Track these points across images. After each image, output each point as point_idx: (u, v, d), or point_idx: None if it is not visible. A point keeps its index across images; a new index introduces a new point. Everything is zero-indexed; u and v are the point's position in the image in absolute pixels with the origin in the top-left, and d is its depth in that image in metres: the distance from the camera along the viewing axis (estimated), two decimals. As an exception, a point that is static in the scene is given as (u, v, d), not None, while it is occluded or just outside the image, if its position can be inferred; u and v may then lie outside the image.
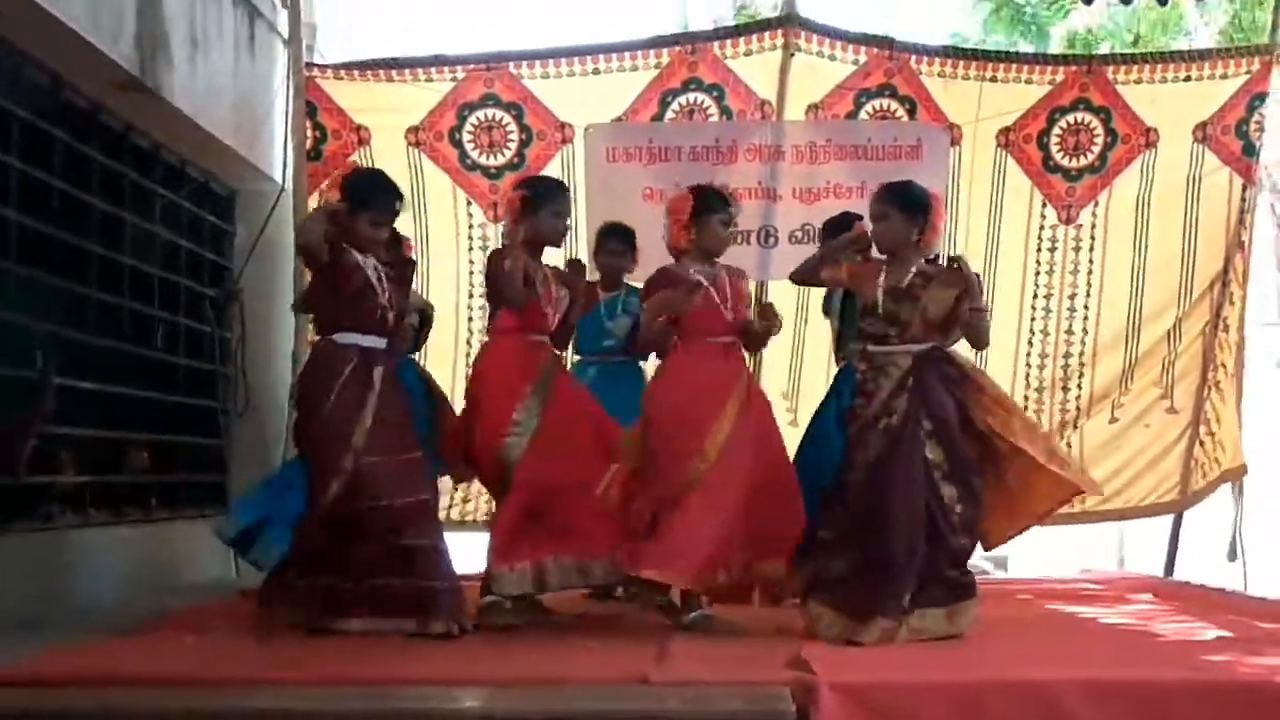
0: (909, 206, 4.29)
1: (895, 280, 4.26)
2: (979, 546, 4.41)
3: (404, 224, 6.12)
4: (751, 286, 4.91)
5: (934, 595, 4.15)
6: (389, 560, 4.12)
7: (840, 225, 5.15)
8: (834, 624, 4.12)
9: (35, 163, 4.77)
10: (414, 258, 4.89)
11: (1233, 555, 6.77)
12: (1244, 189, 6.69)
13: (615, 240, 5.56)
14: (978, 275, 4.43)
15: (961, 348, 4.57)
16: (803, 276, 4.77)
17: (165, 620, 4.55)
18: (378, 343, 4.27)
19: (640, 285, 4.92)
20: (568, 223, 4.78)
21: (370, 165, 6.35)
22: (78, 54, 4.66)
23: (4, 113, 4.58)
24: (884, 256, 4.39)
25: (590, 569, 4.37)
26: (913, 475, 4.13)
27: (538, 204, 4.50)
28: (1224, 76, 6.68)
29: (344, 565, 4.16)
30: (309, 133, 6.34)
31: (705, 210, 4.44)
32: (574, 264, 4.90)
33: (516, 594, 4.34)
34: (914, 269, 4.28)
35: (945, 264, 4.43)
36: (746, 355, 4.64)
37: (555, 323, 4.62)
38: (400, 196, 4.44)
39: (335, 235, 4.17)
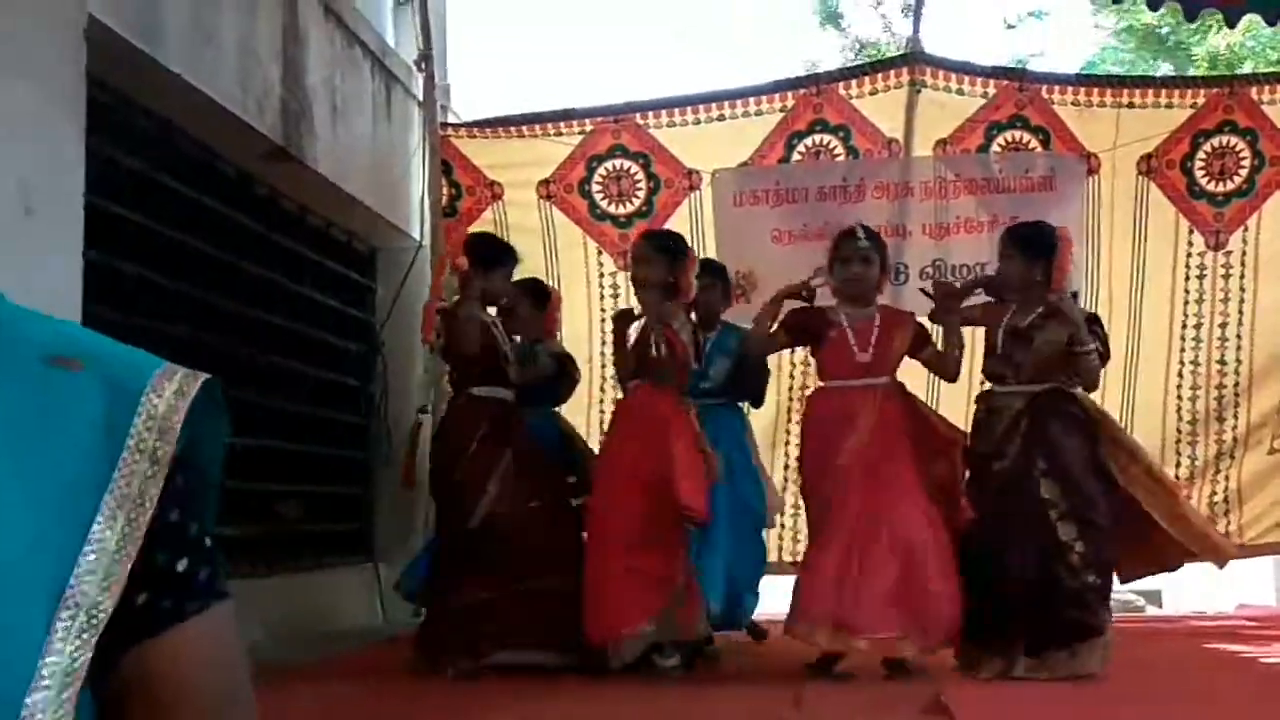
0: (1030, 248, 4.30)
1: (1018, 321, 4.27)
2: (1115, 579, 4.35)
3: (537, 275, 6.31)
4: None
5: (1054, 635, 4.11)
6: (511, 602, 4.29)
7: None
8: (964, 660, 4.17)
9: (189, 230, 5.02)
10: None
11: None
12: (1401, 206, 6.41)
13: (703, 274, 5.07)
14: (1095, 315, 4.38)
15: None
16: (942, 316, 4.70)
17: (316, 669, 4.69)
18: (507, 394, 4.50)
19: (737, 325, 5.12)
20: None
21: (504, 220, 6.55)
22: (227, 126, 4.90)
23: (158, 184, 4.84)
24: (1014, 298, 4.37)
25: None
26: (1026, 515, 4.12)
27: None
28: (1375, 91, 6.44)
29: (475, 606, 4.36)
30: (445, 190, 6.55)
31: (834, 256, 4.50)
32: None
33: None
34: (1039, 309, 4.24)
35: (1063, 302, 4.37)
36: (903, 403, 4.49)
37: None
38: (510, 248, 4.76)
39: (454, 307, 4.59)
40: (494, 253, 4.65)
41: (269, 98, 5.11)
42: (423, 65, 6.66)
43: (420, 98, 6.70)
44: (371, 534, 6.49)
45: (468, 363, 4.51)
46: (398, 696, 4.09)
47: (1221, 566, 4.59)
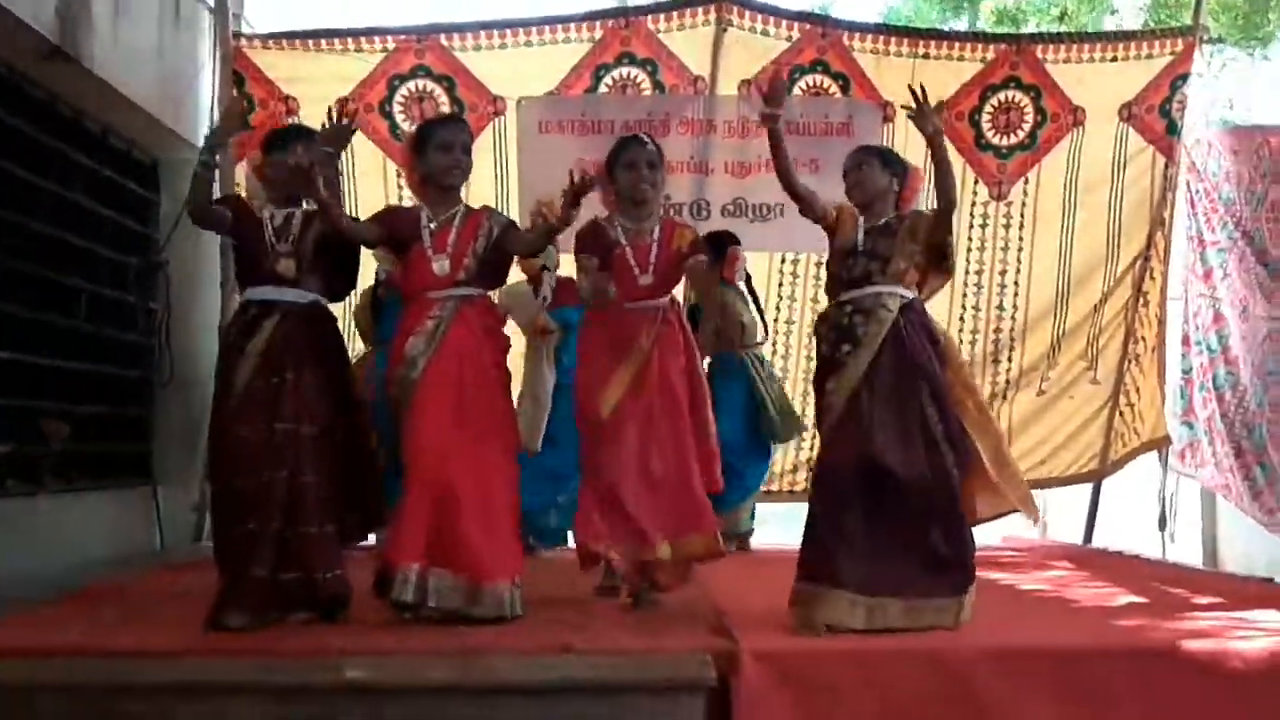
0: (889, 160, 4.16)
1: (874, 221, 4.05)
2: None
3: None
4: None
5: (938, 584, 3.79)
6: (262, 547, 3.76)
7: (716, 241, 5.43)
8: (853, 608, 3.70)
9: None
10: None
11: (1162, 524, 6.96)
12: (1166, 167, 6.83)
13: None
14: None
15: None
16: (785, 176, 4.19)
17: (86, 592, 4.50)
18: (274, 294, 3.94)
19: None
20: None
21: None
22: (-2, 22, 4.58)
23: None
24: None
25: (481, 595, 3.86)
26: (914, 434, 3.80)
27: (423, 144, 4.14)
28: (1149, 57, 6.80)
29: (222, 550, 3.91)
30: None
31: (613, 163, 4.29)
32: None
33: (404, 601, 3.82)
34: (891, 217, 4.06)
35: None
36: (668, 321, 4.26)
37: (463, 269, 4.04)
38: (311, 131, 4.16)
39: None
40: (272, 136, 4.13)
41: (44, -7, 4.78)
42: (214, -31, 6.35)
43: (211, 3, 6.38)
44: (150, 456, 6.24)
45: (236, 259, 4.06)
46: (164, 622, 3.89)
47: (1035, 523, 4.31)
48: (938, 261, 4.10)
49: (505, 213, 6.25)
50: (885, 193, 4.09)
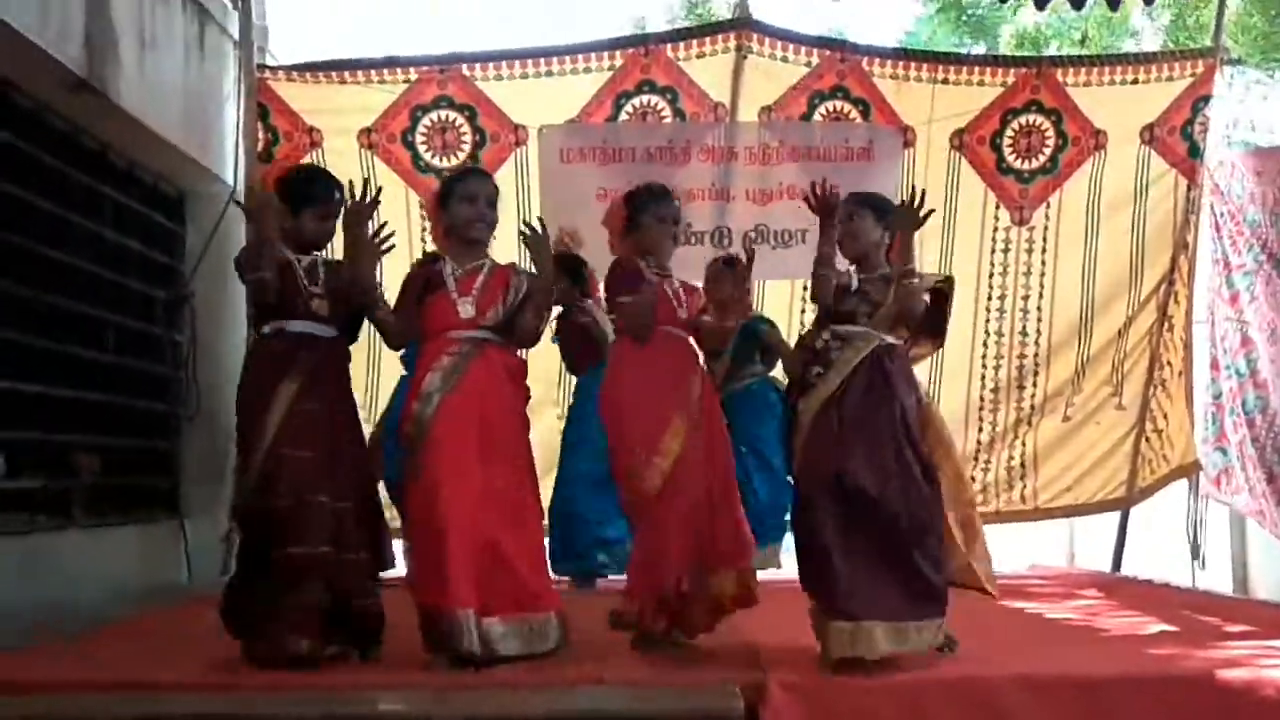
0: (881, 211, 4.05)
1: (869, 273, 4.01)
2: None
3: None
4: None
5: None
6: (306, 571, 3.73)
7: None
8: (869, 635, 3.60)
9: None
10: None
11: (1195, 551, 6.90)
12: (1189, 190, 6.82)
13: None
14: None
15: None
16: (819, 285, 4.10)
17: (114, 625, 4.51)
18: (308, 328, 3.95)
19: None
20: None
21: (322, 166, 6.36)
22: (25, 56, 4.62)
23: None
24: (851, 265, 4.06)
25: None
26: (901, 462, 3.72)
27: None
28: (1170, 79, 6.81)
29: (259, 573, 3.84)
30: (261, 135, 6.36)
31: (637, 213, 4.18)
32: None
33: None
34: (883, 270, 4.00)
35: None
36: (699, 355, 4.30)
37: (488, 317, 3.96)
38: (338, 185, 4.10)
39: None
40: (299, 192, 4.09)
41: (71, 27, 4.83)
42: (239, 3, 6.41)
43: (236, 37, 6.44)
44: (177, 490, 6.26)
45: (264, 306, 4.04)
46: (193, 655, 3.89)
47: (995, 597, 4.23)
48: (919, 329, 4.07)
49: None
50: (878, 246, 4.04)
